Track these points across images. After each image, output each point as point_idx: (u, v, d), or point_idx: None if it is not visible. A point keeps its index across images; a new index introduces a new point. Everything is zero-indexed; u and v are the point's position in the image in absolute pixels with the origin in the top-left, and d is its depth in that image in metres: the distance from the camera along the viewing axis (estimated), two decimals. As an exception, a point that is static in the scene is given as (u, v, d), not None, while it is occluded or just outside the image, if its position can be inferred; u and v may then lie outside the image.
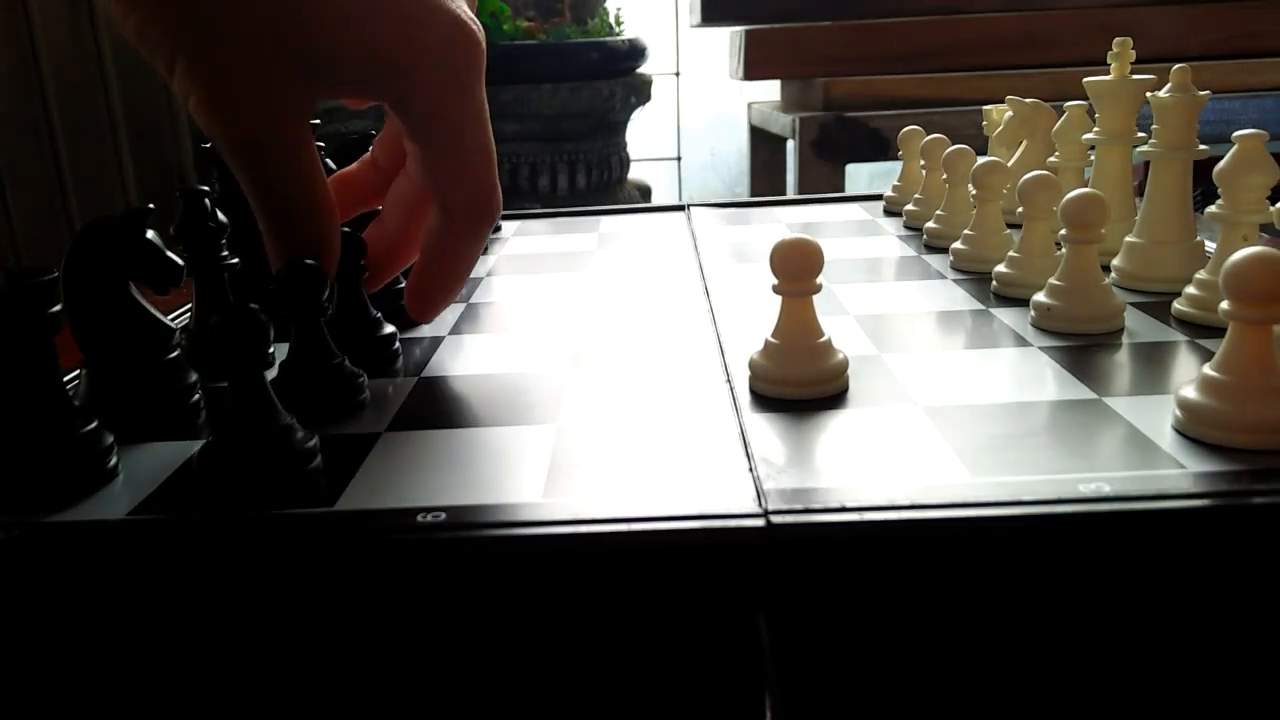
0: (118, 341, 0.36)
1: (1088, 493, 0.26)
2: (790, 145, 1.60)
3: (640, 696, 0.27)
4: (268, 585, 0.26)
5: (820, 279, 0.35)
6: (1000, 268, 0.48)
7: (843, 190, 1.41)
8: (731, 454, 0.30)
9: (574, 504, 0.27)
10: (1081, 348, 0.39)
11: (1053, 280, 0.42)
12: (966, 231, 0.53)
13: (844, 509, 0.26)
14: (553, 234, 0.70)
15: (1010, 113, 0.61)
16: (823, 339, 0.35)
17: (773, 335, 0.36)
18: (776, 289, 0.36)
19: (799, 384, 0.35)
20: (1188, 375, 0.33)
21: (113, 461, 0.31)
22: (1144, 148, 0.48)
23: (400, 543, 0.26)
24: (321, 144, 0.55)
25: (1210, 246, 0.46)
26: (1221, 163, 0.41)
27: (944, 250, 0.56)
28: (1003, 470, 0.28)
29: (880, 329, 0.43)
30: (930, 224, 0.59)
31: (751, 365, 0.36)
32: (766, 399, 0.35)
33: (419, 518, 0.27)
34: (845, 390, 0.35)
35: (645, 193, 1.81)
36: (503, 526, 0.26)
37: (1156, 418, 0.32)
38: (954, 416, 0.33)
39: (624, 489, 0.28)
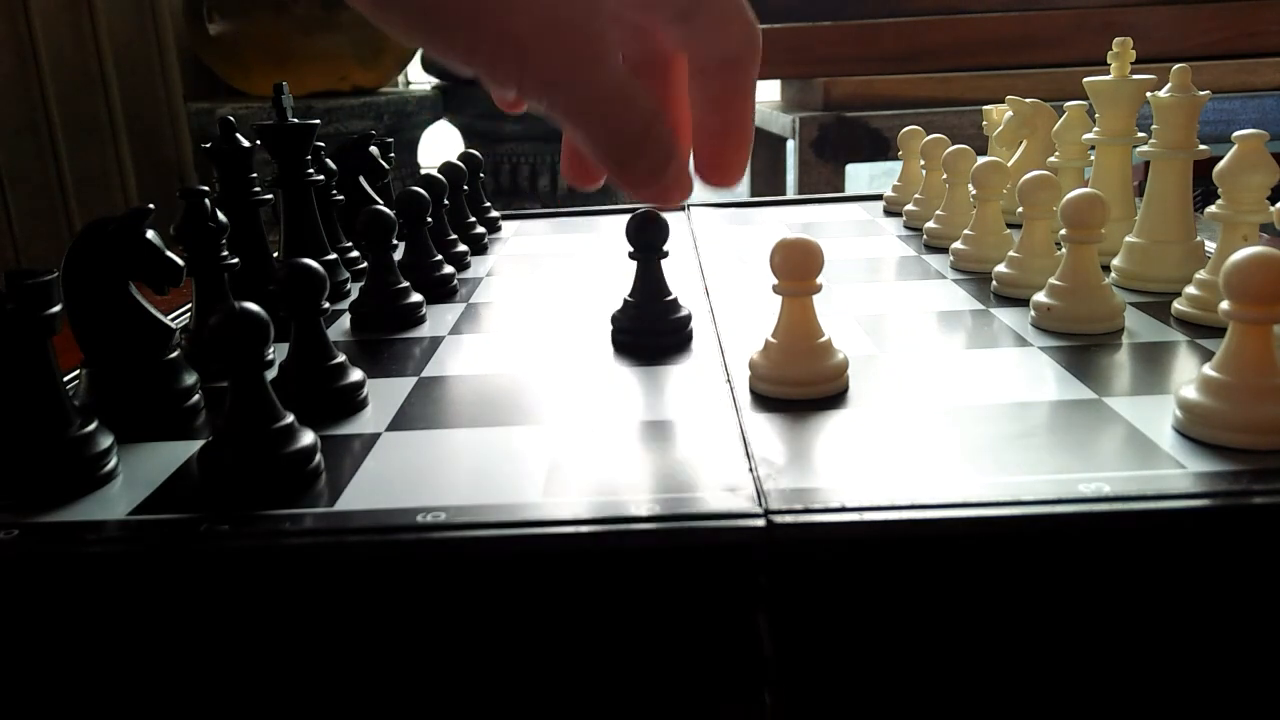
0: (118, 341, 0.36)
1: (1088, 493, 0.26)
2: (790, 145, 1.60)
3: (641, 696, 0.27)
4: (268, 585, 0.26)
5: (820, 279, 0.35)
6: (1000, 268, 0.48)
7: (843, 190, 1.41)
8: (731, 454, 0.30)
9: (574, 504, 0.27)
10: (1081, 348, 0.39)
11: (1053, 280, 0.42)
12: (966, 231, 0.53)
13: (844, 509, 0.26)
14: (552, 234, 0.70)
15: (1010, 113, 0.61)
16: (823, 339, 0.35)
17: (773, 335, 0.36)
18: (777, 289, 0.36)
19: (799, 384, 0.35)
20: (1188, 375, 0.33)
21: (112, 462, 0.31)
22: (1144, 148, 0.48)
23: (400, 543, 0.26)
24: (321, 144, 0.55)
25: (1210, 246, 0.46)
26: (1221, 163, 0.41)
27: (944, 250, 0.56)
28: (1003, 470, 0.28)
29: (880, 329, 0.43)
30: (930, 224, 0.59)
31: (751, 365, 0.36)
32: (766, 399, 0.35)
33: (419, 518, 0.27)
34: (845, 390, 0.35)
35: (645, 193, 1.80)
36: (503, 526, 0.26)
37: (1156, 418, 0.32)
38: (954, 416, 0.33)
39: (624, 489, 0.28)
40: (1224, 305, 0.30)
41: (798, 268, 0.35)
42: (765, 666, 0.26)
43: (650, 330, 0.42)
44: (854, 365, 0.37)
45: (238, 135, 0.47)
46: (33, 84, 1.55)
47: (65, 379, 0.33)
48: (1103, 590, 0.26)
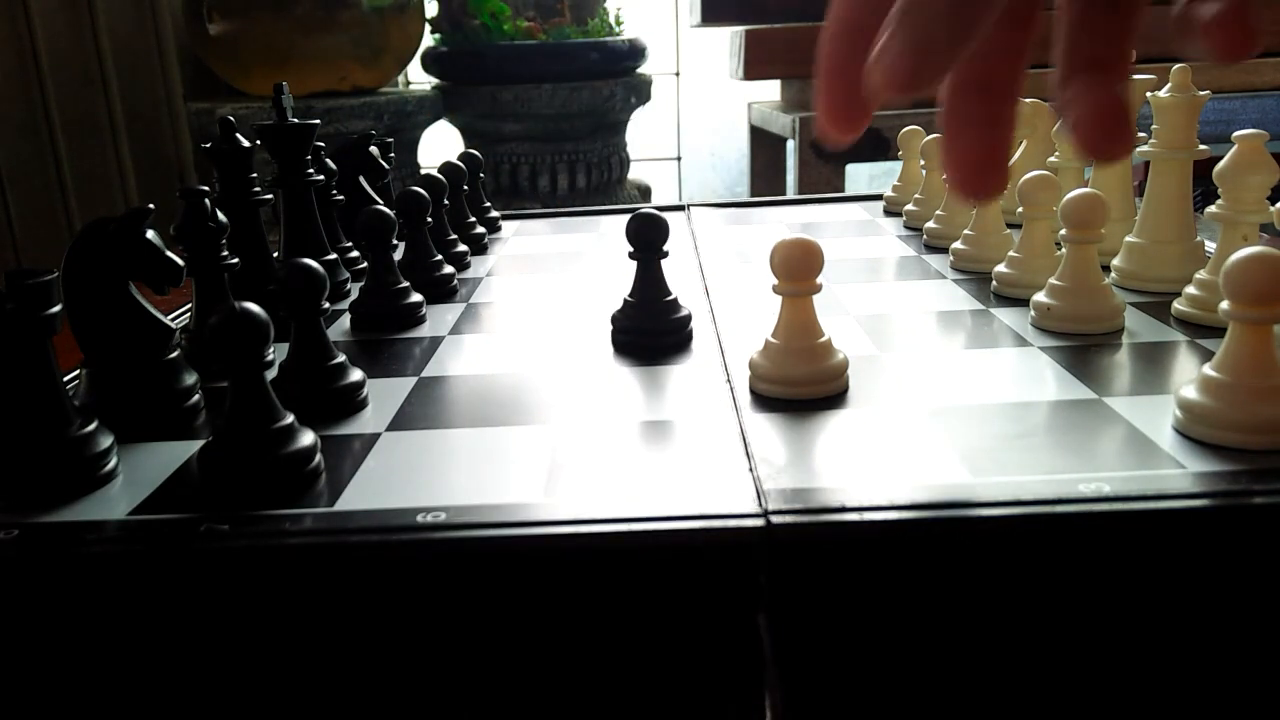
0: (118, 341, 0.36)
1: (1088, 493, 0.26)
2: (790, 145, 1.60)
3: (641, 696, 0.27)
4: (268, 585, 0.26)
5: (820, 279, 0.35)
6: (1000, 268, 0.48)
7: (843, 190, 1.41)
8: (731, 454, 0.30)
9: (574, 504, 0.27)
10: (1081, 348, 0.39)
11: (1053, 280, 0.42)
12: (966, 231, 0.53)
13: (844, 509, 0.26)
14: (552, 234, 0.70)
15: (1010, 113, 0.61)
16: (823, 339, 0.35)
17: (773, 335, 0.36)
18: (776, 289, 0.36)
19: (799, 384, 0.35)
20: (1188, 375, 0.33)
21: (112, 462, 0.31)
22: (1144, 148, 0.48)
23: (400, 543, 0.26)
24: (321, 144, 0.55)
25: (1210, 246, 0.46)
26: (1221, 163, 0.41)
27: (944, 250, 0.56)
28: (1003, 470, 0.28)
29: (880, 329, 0.43)
30: (930, 224, 0.59)
31: (751, 365, 0.36)
32: (766, 399, 0.35)
33: (419, 518, 0.27)
34: (845, 390, 0.35)
35: (645, 193, 1.81)
36: (503, 526, 0.26)
37: (1156, 418, 0.32)
38: (954, 416, 0.33)
39: (624, 489, 0.28)
40: (1224, 305, 0.30)
41: (797, 268, 0.35)
42: (765, 666, 0.26)
43: (650, 330, 0.42)
44: (854, 365, 0.37)
45: (238, 135, 0.47)
46: (33, 84, 1.55)
47: (65, 379, 0.33)
48: (1103, 590, 0.26)
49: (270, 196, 0.48)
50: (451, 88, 1.69)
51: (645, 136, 2.17)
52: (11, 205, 1.54)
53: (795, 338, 0.35)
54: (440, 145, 1.87)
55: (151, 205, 0.36)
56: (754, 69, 1.52)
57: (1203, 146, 0.47)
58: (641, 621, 0.26)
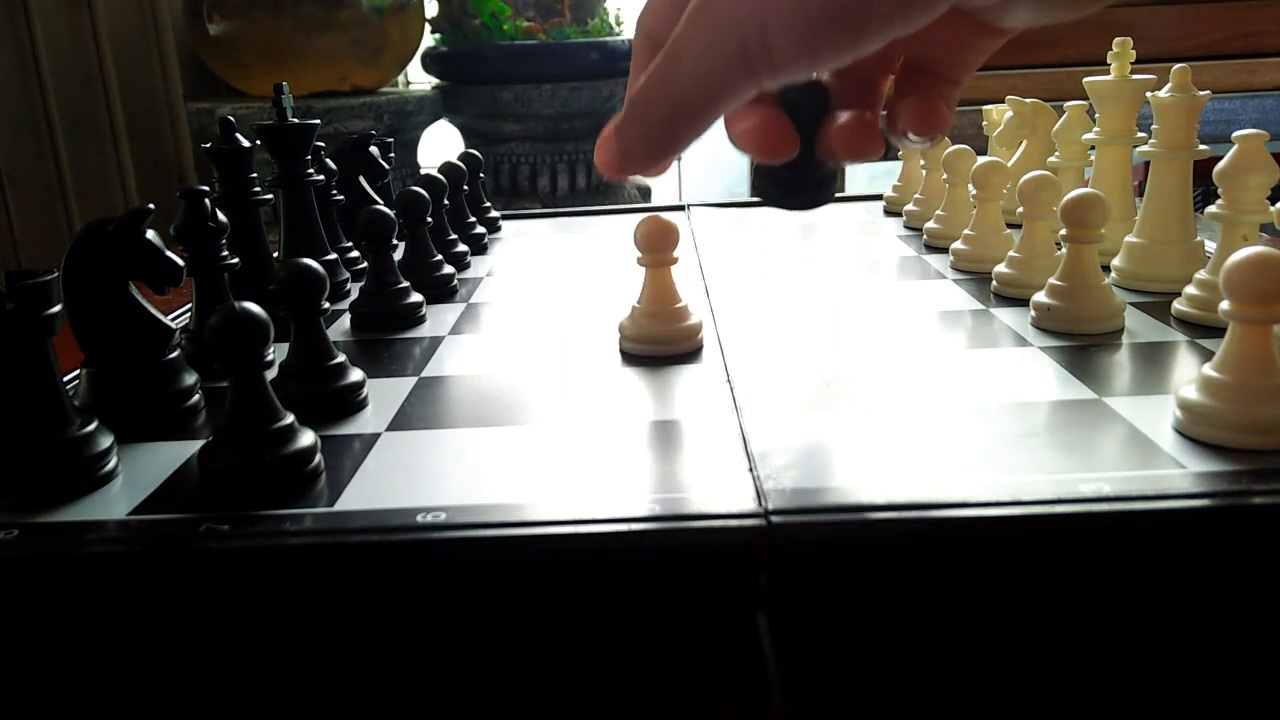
0: (118, 341, 0.36)
1: (1088, 493, 0.26)
2: (790, 145, 1.60)
3: (640, 695, 0.27)
4: (268, 585, 0.26)
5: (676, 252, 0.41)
6: (1000, 268, 0.48)
7: (843, 190, 1.41)
8: (731, 454, 0.30)
9: (574, 504, 0.27)
10: (1081, 348, 0.39)
11: (1053, 280, 0.42)
12: (966, 231, 0.53)
13: (844, 509, 0.26)
14: (552, 234, 0.70)
15: (1010, 113, 0.61)
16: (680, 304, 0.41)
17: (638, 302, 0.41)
18: (640, 261, 0.41)
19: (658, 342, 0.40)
20: (1188, 375, 0.33)
21: (112, 462, 0.31)
22: (1144, 148, 0.48)
23: (400, 543, 0.26)
24: (321, 144, 0.55)
25: (1210, 246, 0.46)
26: (1221, 163, 0.41)
27: (944, 250, 0.56)
28: (1003, 470, 0.28)
29: (880, 329, 0.43)
30: (930, 224, 0.59)
31: (620, 328, 0.42)
32: (767, 398, 0.35)
33: (419, 518, 0.27)
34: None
35: (645, 193, 1.81)
36: (503, 526, 0.26)
37: (1156, 418, 0.32)
38: (954, 416, 0.33)
39: (624, 489, 0.28)
40: (1224, 305, 0.30)
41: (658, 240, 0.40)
42: (765, 666, 0.26)
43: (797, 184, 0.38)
44: (853, 365, 0.37)
45: (238, 135, 0.47)
46: (33, 84, 1.55)
47: (65, 379, 0.33)
48: (1103, 590, 0.26)
49: (270, 196, 0.48)
50: (451, 88, 1.69)
51: (645, 136, 2.16)
52: (11, 205, 1.54)
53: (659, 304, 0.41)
54: (440, 145, 1.87)
55: (151, 205, 0.36)
56: (754, 69, 1.51)
57: (1203, 146, 0.47)
58: (642, 621, 0.26)
